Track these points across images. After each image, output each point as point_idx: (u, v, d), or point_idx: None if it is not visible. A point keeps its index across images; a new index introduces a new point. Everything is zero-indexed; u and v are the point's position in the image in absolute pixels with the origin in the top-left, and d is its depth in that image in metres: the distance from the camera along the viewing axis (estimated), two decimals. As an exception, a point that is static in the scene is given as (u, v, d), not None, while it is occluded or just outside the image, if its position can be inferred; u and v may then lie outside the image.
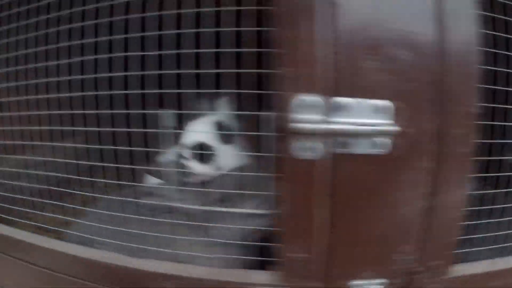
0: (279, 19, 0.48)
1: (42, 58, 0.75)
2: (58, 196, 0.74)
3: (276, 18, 0.48)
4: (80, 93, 0.70)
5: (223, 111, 0.84)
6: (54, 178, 0.75)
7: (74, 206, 0.70)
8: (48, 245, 0.68)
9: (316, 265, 0.55)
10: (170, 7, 0.55)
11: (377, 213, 0.53)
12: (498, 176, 0.64)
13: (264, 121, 0.52)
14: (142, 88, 0.69)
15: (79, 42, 0.72)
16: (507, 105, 0.62)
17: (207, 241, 0.63)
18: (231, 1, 0.53)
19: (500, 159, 0.64)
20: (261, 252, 0.60)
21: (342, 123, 0.49)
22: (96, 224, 0.66)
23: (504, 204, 0.62)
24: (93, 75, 0.65)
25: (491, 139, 0.58)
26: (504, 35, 0.59)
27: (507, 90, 0.62)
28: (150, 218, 0.62)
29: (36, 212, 0.75)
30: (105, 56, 0.68)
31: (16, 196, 0.78)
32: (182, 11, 0.54)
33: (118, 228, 0.64)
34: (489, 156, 0.61)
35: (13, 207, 0.78)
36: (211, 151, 0.78)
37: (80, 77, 0.71)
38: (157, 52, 0.57)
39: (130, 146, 0.66)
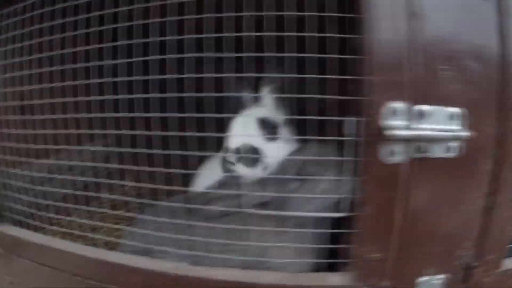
0: (368, 27, 0.50)
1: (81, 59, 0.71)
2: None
3: (364, 25, 0.50)
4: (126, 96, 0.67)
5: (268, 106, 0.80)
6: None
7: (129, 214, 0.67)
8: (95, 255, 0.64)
9: (389, 264, 0.57)
10: (248, 9, 0.55)
11: (445, 213, 0.57)
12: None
13: (346, 125, 0.54)
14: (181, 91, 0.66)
15: (110, 44, 0.69)
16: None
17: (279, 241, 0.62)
18: (312, 7, 0.54)
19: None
20: (331, 254, 0.61)
21: (423, 129, 0.52)
22: (156, 233, 0.63)
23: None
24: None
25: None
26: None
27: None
28: (218, 225, 0.61)
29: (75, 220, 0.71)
30: (141, 59, 0.66)
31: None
32: (263, 13, 0.54)
33: (181, 236, 0.62)
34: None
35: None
36: (257, 153, 0.73)
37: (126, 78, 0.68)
38: (234, 54, 0.56)
39: (182, 150, 0.63)
